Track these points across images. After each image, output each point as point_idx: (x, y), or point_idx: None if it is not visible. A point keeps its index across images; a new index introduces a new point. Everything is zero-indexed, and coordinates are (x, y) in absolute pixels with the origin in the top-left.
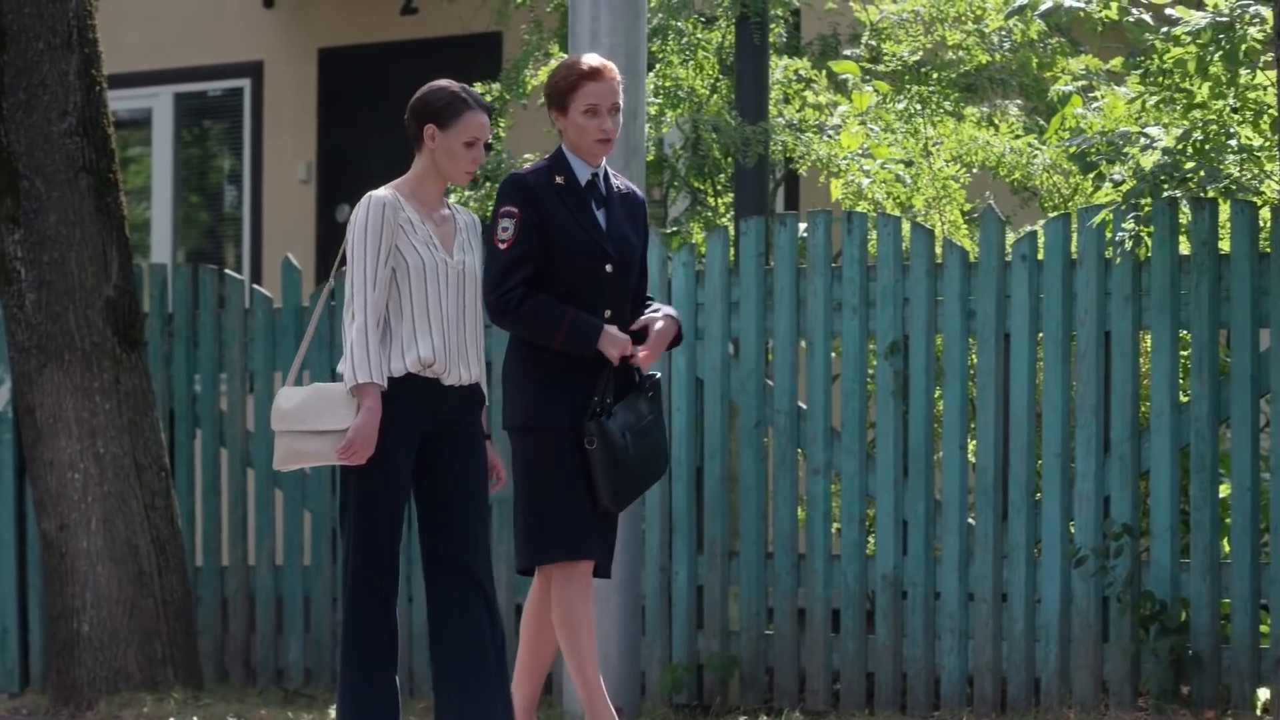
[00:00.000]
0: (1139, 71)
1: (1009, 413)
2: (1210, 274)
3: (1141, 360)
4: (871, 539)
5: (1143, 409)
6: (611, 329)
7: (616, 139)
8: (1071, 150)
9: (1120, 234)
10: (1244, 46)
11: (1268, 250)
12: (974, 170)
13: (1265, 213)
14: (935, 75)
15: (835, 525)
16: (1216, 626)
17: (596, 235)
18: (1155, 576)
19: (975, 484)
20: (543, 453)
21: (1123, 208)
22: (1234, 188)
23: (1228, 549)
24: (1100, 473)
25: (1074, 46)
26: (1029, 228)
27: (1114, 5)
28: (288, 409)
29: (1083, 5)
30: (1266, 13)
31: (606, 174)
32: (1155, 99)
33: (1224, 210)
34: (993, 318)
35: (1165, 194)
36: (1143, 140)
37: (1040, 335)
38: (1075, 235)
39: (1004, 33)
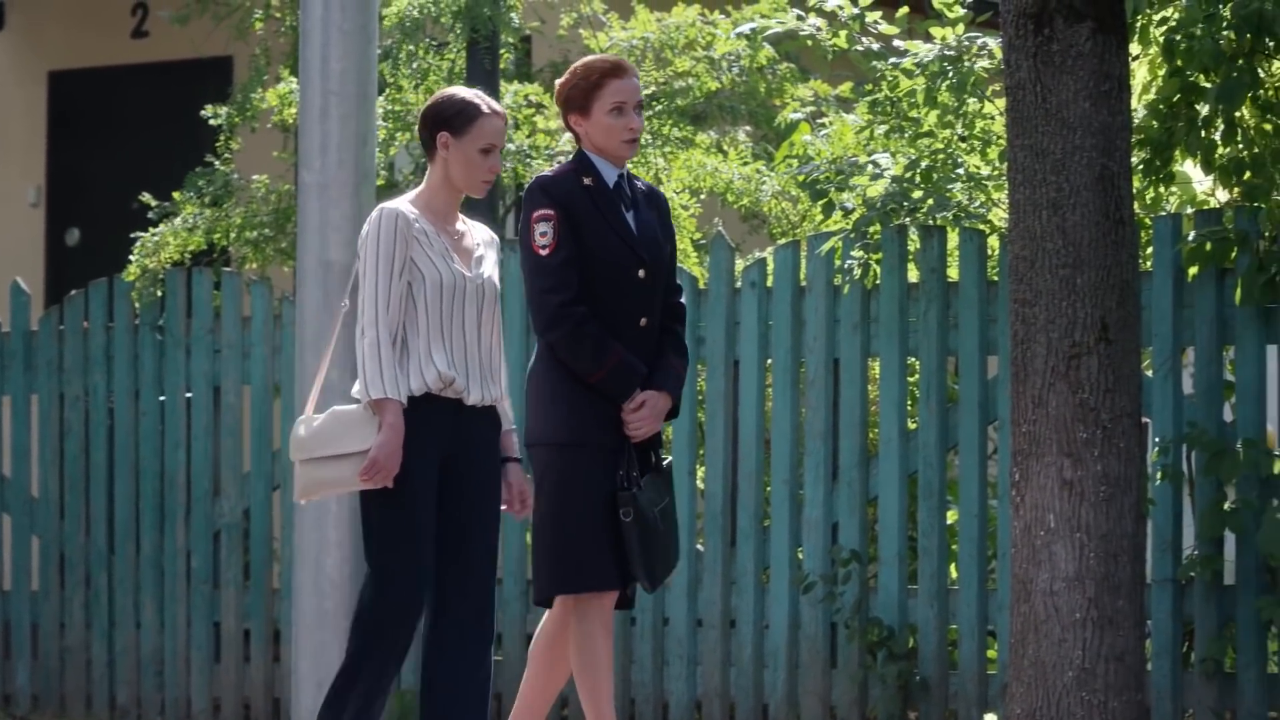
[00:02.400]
0: (868, 100)
1: (738, 439)
2: (939, 301)
3: (870, 387)
4: None
5: (871, 435)
6: (651, 395)
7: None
8: (801, 178)
9: (849, 261)
10: (972, 79)
11: (995, 278)
12: (703, 196)
13: (993, 240)
14: (665, 102)
15: None
16: (944, 652)
17: (629, 239)
18: (883, 602)
19: (703, 510)
20: (571, 472)
21: (852, 235)
22: (962, 216)
23: (955, 575)
24: (828, 499)
25: (803, 73)
26: (758, 254)
27: (843, 34)
28: (305, 437)
29: (812, 33)
30: (994, 45)
31: (630, 175)
32: (884, 128)
33: (953, 238)
34: (722, 344)
35: (894, 222)
36: (871, 168)
37: (769, 362)
38: (804, 262)
39: (733, 58)
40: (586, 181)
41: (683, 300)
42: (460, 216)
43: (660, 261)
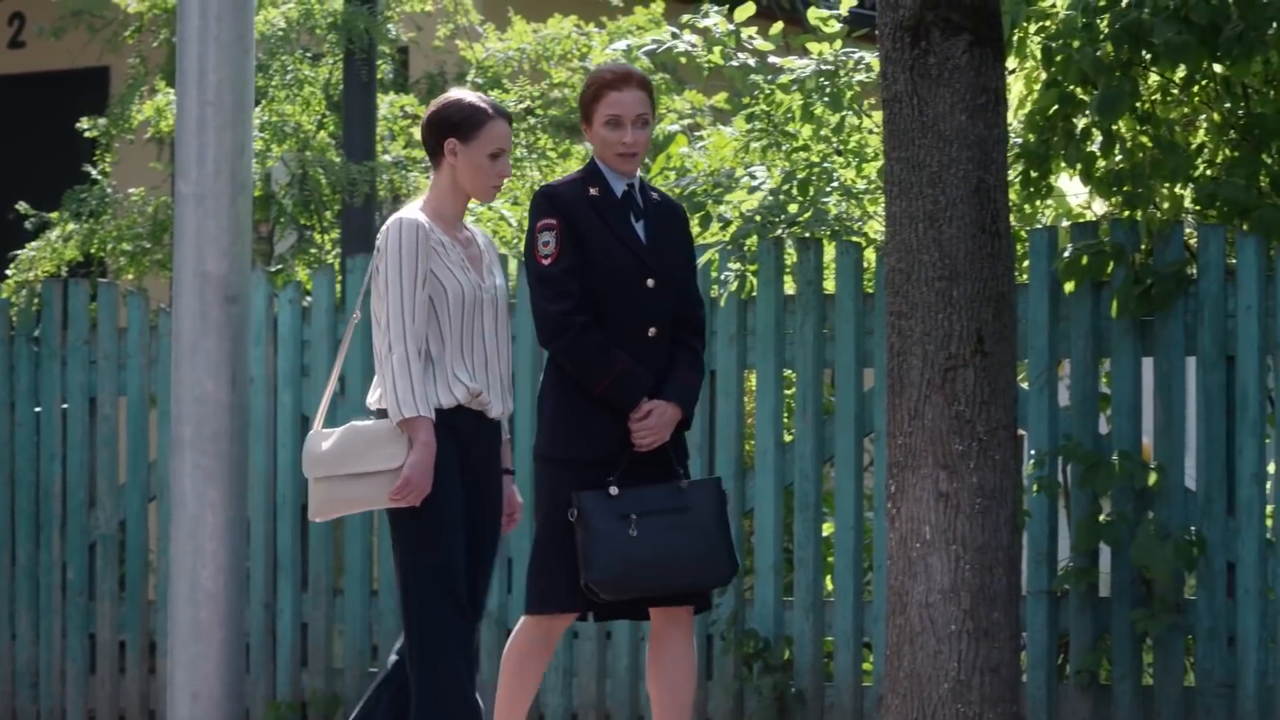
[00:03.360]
0: (745, 113)
1: None
2: (815, 314)
3: (746, 399)
4: None
5: (747, 448)
6: (659, 404)
7: (642, 153)
8: (678, 191)
9: (725, 274)
10: (849, 93)
11: (872, 291)
12: None
13: (870, 253)
14: (541, 114)
15: None
16: (819, 664)
17: (636, 248)
18: (759, 614)
19: None
20: (559, 488)
21: (729, 248)
22: (839, 229)
23: (831, 587)
24: None
25: (679, 84)
26: None
27: (717, 50)
28: (323, 453)
29: (687, 49)
30: (870, 59)
31: (644, 185)
32: (761, 142)
33: (829, 251)
34: None
35: (771, 235)
36: (748, 180)
37: None
38: None
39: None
40: (593, 191)
41: (701, 313)
42: (464, 223)
43: (672, 272)
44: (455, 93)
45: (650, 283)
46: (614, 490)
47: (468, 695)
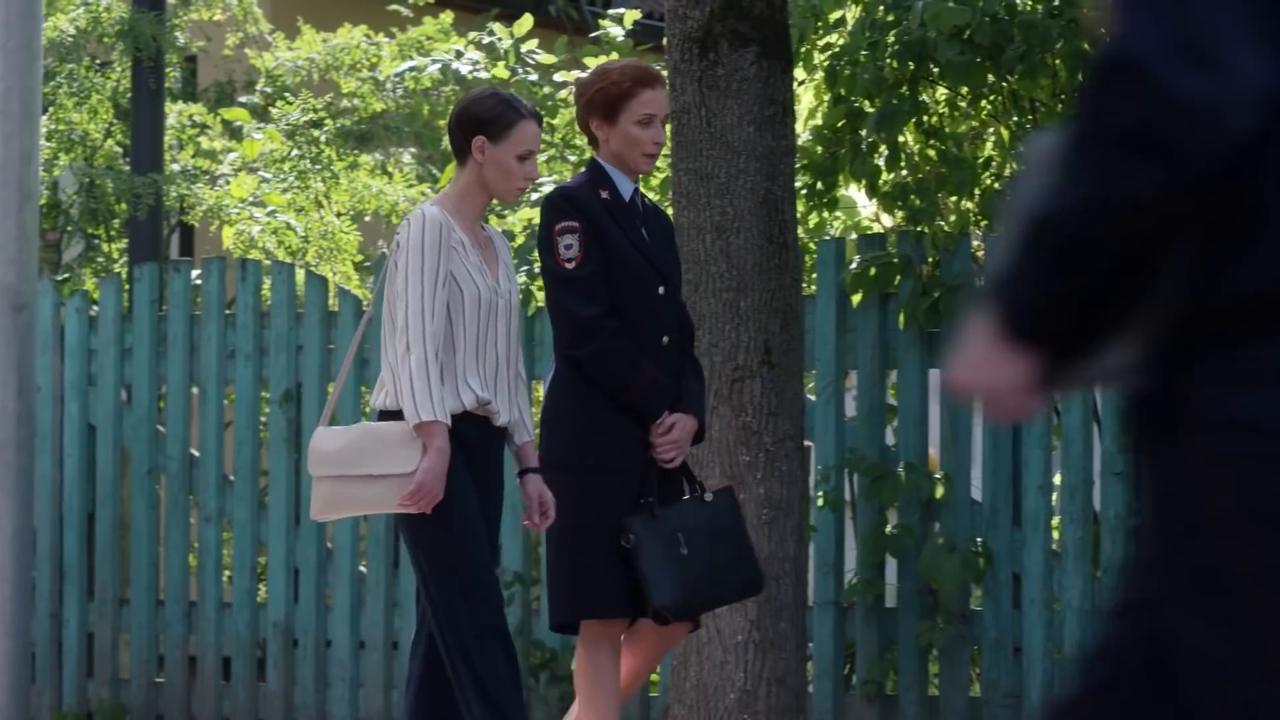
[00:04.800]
0: None
1: None
2: None
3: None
4: (263, 586)
5: None
6: (680, 417)
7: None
8: None
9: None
10: None
11: None
12: (367, 219)
13: None
14: (329, 124)
15: (227, 573)
16: None
17: (649, 254)
18: (546, 625)
19: (367, 532)
20: (591, 497)
21: (515, 261)
22: None
23: None
24: None
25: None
26: None
27: (501, 64)
28: (331, 451)
29: (470, 68)
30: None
31: (638, 190)
32: (545, 155)
33: None
34: None
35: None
36: (534, 194)
37: None
38: None
39: (397, 79)
40: (603, 195)
41: (691, 321)
42: (483, 223)
43: (677, 278)
44: (485, 90)
45: (662, 290)
46: (657, 511)
47: (511, 687)
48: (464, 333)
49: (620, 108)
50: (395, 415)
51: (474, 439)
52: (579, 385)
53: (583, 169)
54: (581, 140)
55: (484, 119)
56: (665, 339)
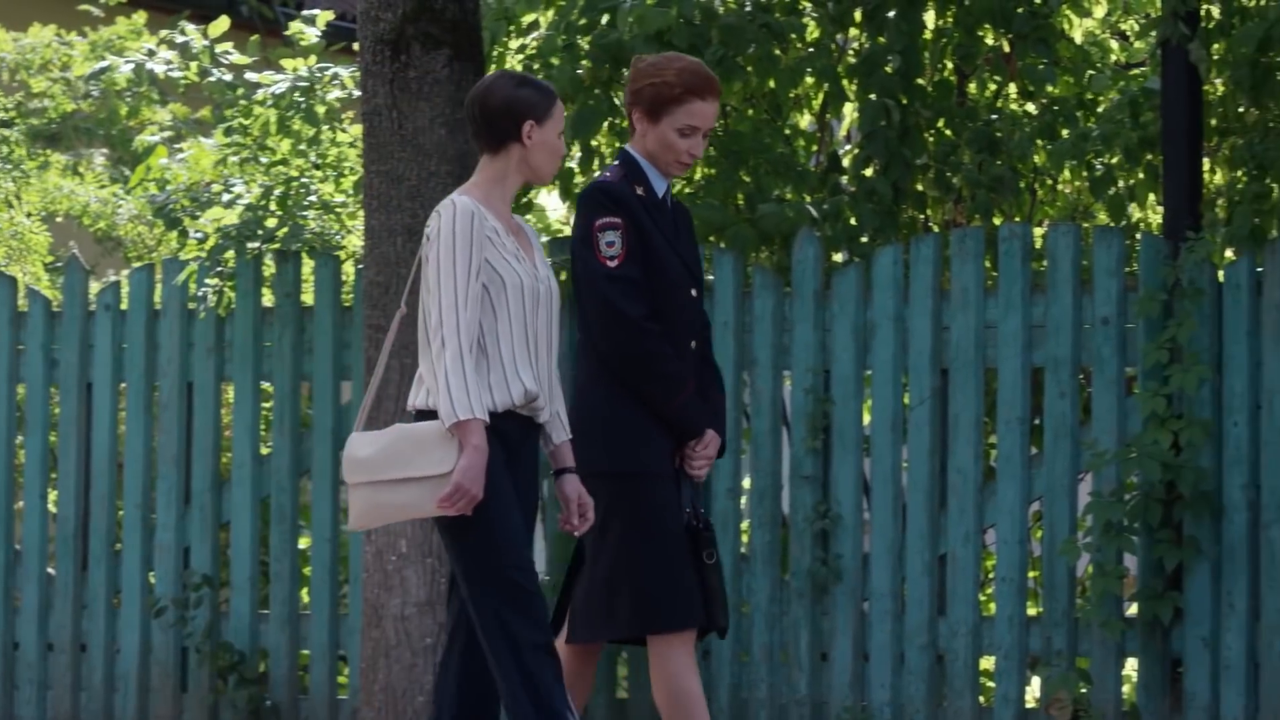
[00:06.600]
0: (224, 127)
1: (90, 462)
2: (293, 327)
3: (224, 412)
4: None
5: (224, 460)
6: (711, 434)
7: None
8: (155, 208)
9: (204, 289)
10: (324, 108)
11: (350, 304)
12: (59, 219)
13: (348, 267)
14: (20, 124)
15: None
16: (295, 677)
17: (684, 255)
18: (235, 627)
19: (56, 533)
20: (650, 503)
21: (207, 264)
22: (316, 243)
23: (307, 600)
24: (181, 523)
25: (162, 96)
26: (113, 277)
27: (194, 66)
28: (366, 457)
29: (164, 69)
30: (345, 75)
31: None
32: (240, 155)
33: (309, 264)
34: (75, 366)
35: (250, 250)
36: (226, 195)
37: (123, 385)
38: (160, 286)
39: (91, 79)
40: (639, 191)
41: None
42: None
43: (703, 281)
44: (505, 74)
45: (694, 292)
46: (709, 522)
47: (561, 701)
48: (509, 322)
49: (665, 111)
50: (432, 415)
51: (515, 437)
52: (614, 388)
53: (614, 162)
54: (274, 142)
55: (532, 102)
56: (693, 344)
